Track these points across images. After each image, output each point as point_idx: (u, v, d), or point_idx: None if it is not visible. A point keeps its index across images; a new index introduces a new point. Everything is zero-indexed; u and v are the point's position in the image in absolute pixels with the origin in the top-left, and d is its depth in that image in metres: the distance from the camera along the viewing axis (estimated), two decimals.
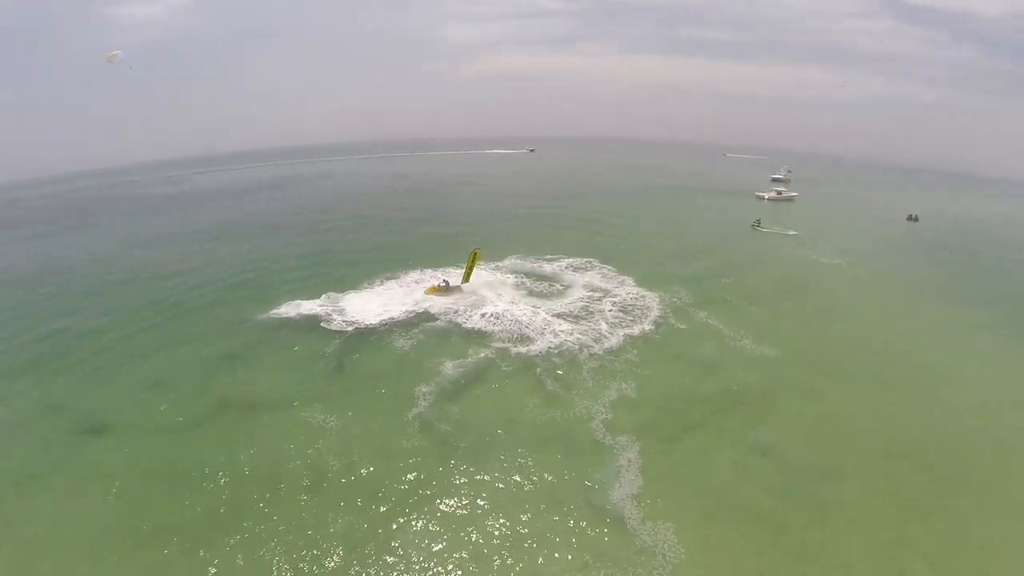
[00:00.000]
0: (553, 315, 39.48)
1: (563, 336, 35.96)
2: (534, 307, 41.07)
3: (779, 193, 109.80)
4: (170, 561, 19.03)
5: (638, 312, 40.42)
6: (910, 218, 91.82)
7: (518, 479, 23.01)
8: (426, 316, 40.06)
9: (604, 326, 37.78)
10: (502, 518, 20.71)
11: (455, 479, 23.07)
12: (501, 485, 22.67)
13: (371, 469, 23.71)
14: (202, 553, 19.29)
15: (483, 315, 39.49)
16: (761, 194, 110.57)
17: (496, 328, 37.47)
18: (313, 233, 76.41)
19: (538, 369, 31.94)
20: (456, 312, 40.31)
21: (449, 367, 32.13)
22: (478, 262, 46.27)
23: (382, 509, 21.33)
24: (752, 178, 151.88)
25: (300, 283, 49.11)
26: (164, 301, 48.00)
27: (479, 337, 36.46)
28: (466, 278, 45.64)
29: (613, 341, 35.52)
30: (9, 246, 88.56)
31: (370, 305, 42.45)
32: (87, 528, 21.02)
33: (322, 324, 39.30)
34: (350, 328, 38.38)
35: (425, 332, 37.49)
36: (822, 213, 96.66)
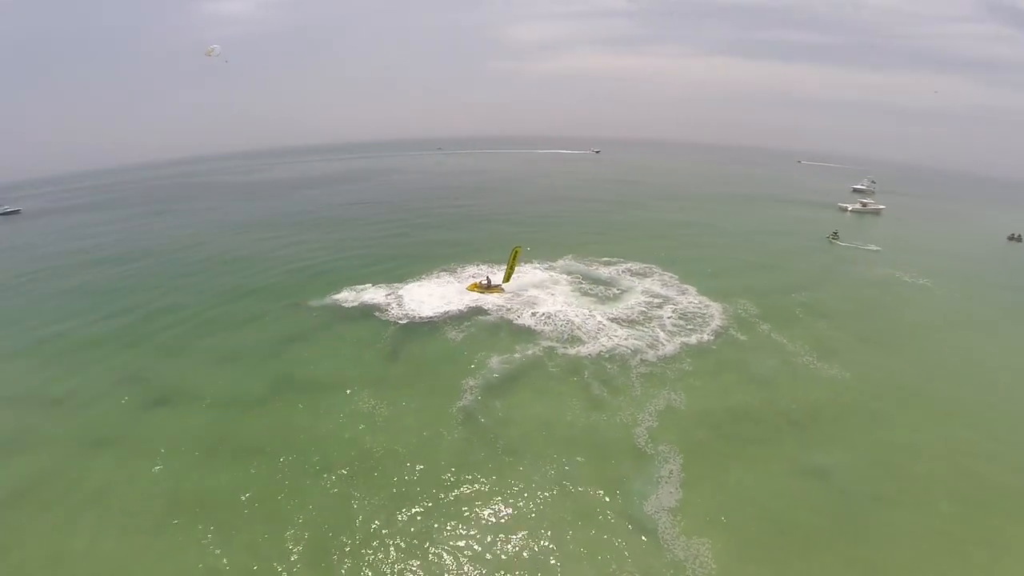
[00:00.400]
0: (608, 319, 38.84)
1: (616, 340, 35.34)
2: (589, 309, 40.55)
3: (864, 205, 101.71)
4: (209, 531, 20.43)
5: (698, 321, 38.96)
6: (1012, 238, 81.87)
7: (553, 480, 22.87)
8: (478, 311, 40.76)
9: (661, 333, 36.67)
10: (531, 518, 20.68)
11: (490, 475, 23.21)
12: (535, 485, 22.58)
13: (410, 459, 24.30)
14: (238, 525, 20.67)
15: (534, 314, 39.57)
16: (844, 205, 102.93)
17: (547, 327, 37.43)
18: (378, 225, 79.85)
19: (586, 372, 31.56)
20: (508, 309, 40.70)
21: (495, 362, 32.56)
22: (519, 261, 45.89)
23: (413, 500, 21.83)
24: (829, 188, 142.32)
25: (363, 271, 51.47)
26: (235, 282, 51.91)
27: (528, 335, 36.59)
28: (507, 277, 45.32)
29: (668, 348, 34.43)
30: (102, 227, 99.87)
31: (426, 297, 43.76)
32: (144, 493, 22.88)
33: (380, 312, 41.10)
34: (405, 318, 39.85)
35: (476, 326, 38.21)
36: (910, 228, 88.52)
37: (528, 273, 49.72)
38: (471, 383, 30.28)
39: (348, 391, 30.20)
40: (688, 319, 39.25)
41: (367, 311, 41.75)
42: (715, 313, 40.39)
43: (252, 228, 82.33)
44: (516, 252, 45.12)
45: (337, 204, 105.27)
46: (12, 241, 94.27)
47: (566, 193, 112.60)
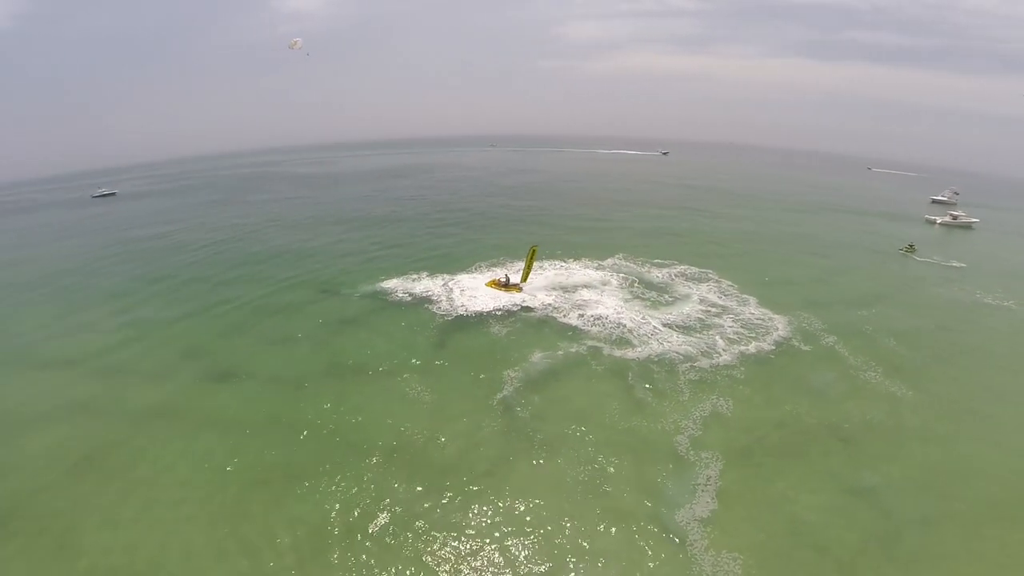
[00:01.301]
0: (663, 323, 37.92)
1: (669, 345, 34.46)
2: (642, 314, 39.67)
3: (954, 218, 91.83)
4: (253, 502, 21.91)
5: (760, 331, 37.19)
6: None
7: (586, 479, 22.72)
8: (525, 308, 41.16)
9: (720, 341, 35.32)
10: (560, 515, 20.68)
11: (524, 468, 23.42)
12: (568, 481, 22.56)
13: (448, 446, 24.97)
14: (280, 500, 21.97)
15: (582, 315, 39.23)
16: (932, 218, 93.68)
17: (594, 328, 37.08)
18: (431, 219, 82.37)
19: (631, 374, 31.06)
20: (555, 308, 40.72)
21: (538, 357, 32.87)
22: (536, 259, 46.17)
23: (446, 486, 22.37)
24: (903, 198, 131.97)
25: (415, 264, 53.62)
26: (293, 269, 55.36)
27: (574, 333, 36.45)
28: (524, 276, 45.50)
29: (725, 357, 33.16)
30: (181, 211, 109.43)
31: (474, 291, 44.80)
32: (197, 464, 24.68)
33: (430, 303, 42.66)
34: (453, 310, 41.04)
35: (521, 322, 38.60)
36: (1003, 245, 79.18)
37: (577, 272, 49.64)
38: (512, 376, 30.76)
39: (395, 376, 31.54)
40: (749, 328, 37.58)
41: (418, 301, 43.42)
42: (779, 325, 38.40)
43: (310, 218, 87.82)
44: (533, 251, 45.51)
45: (392, 198, 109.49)
46: (106, 221, 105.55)
47: (626, 196, 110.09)
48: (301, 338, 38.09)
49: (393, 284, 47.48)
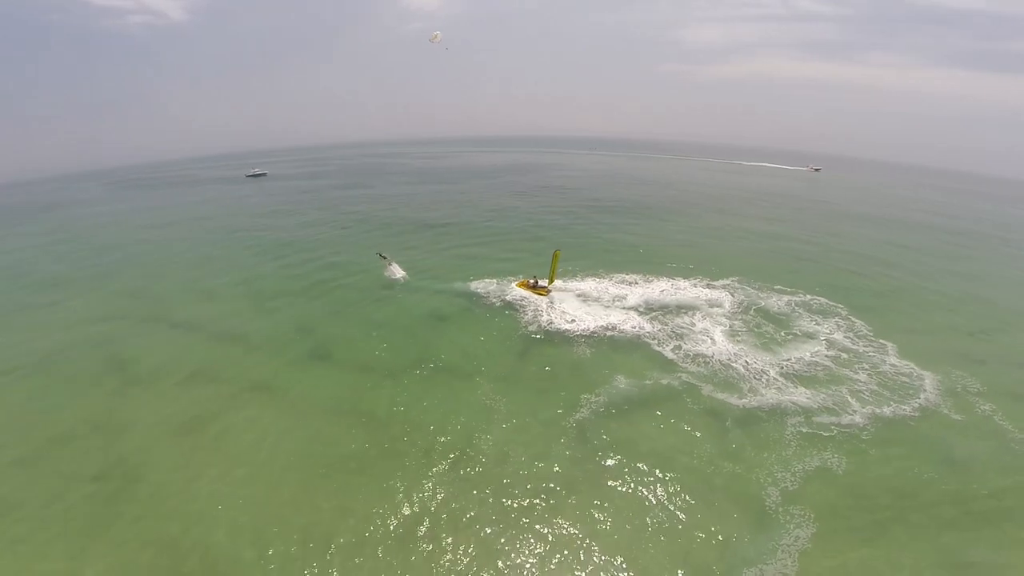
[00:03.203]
0: (781, 373, 33.70)
1: (786, 397, 30.77)
2: (756, 356, 35.73)
3: None
4: (317, 484, 23.88)
5: (901, 390, 31.97)
6: None
7: (654, 520, 21.60)
8: (616, 328, 39.79)
9: (851, 400, 30.77)
10: (617, 554, 19.94)
11: (588, 499, 22.87)
12: (633, 520, 21.63)
13: (514, 461, 25.17)
14: (345, 487, 23.70)
15: (680, 346, 36.69)
16: None
17: (694, 365, 34.30)
18: (534, 220, 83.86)
19: (729, 419, 28.68)
20: (651, 335, 38.52)
21: (622, 383, 31.79)
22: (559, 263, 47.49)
23: (505, 501, 22.55)
24: None
25: (513, 265, 54.72)
26: (402, 255, 59.17)
27: (667, 364, 34.50)
28: (551, 279, 47.20)
29: (855, 418, 28.96)
30: (313, 193, 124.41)
31: (568, 301, 44.65)
32: (278, 444, 27.28)
33: (520, 309, 43.38)
34: (544, 319, 41.24)
35: (611, 343, 37.44)
36: None
37: (686, 290, 47.20)
38: (592, 399, 30.14)
39: (475, 381, 32.61)
40: (887, 385, 32.53)
41: (509, 305, 44.45)
42: (925, 383, 32.87)
43: (419, 209, 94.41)
44: (556, 256, 46.96)
45: (498, 195, 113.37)
46: (255, 199, 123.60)
47: (755, 210, 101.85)
48: (397, 327, 41.14)
49: (488, 286, 48.95)
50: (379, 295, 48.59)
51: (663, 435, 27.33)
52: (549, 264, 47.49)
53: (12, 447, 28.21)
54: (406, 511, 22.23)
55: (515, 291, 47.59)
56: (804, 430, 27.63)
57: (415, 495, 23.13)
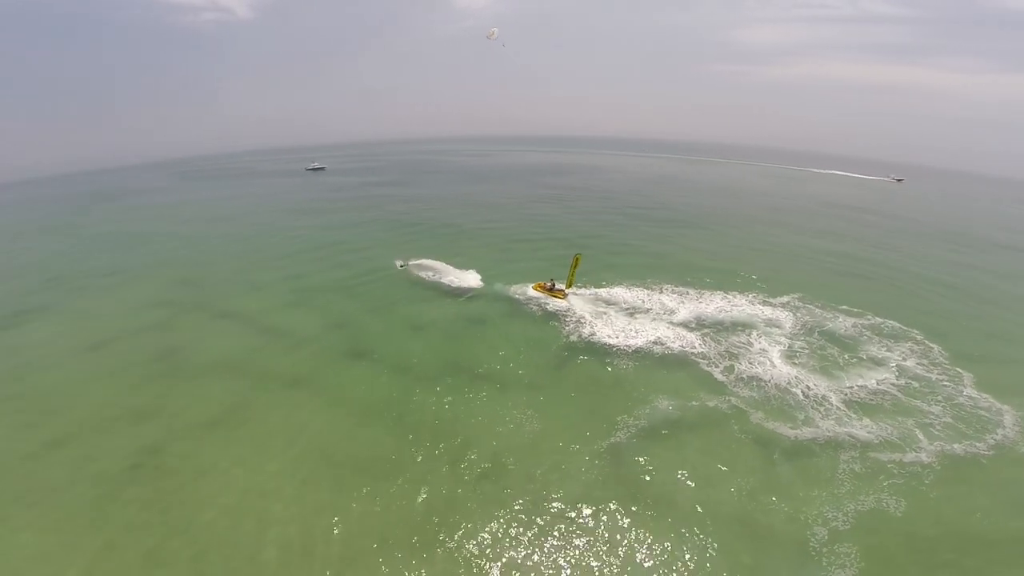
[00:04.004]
0: (843, 401, 31.59)
1: (845, 429, 28.82)
2: (816, 380, 33.68)
3: None
4: (337, 491, 24.13)
5: (976, 424, 29.45)
6: None
7: (688, 554, 20.67)
8: (662, 343, 38.36)
9: (919, 435, 28.53)
10: None
11: (616, 524, 22.16)
12: (666, 552, 20.77)
13: (541, 481, 24.61)
14: (374, 488, 23.99)
15: (733, 365, 35.17)
16: None
17: (747, 388, 32.74)
18: (584, 222, 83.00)
19: (778, 450, 27.05)
20: (702, 354, 36.85)
21: (665, 404, 30.68)
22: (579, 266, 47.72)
23: (526, 521, 22.17)
24: None
25: (558, 269, 53.36)
26: (443, 251, 61.07)
27: (715, 386, 32.97)
28: (569, 283, 47.66)
29: (918, 455, 26.87)
30: (370, 188, 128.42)
31: (615, 311, 43.65)
32: (309, 443, 27.78)
33: (561, 317, 42.68)
34: (585, 328, 40.43)
35: (658, 359, 36.18)
36: None
37: (742, 306, 45.13)
38: (630, 420, 29.17)
39: (510, 390, 32.37)
40: (962, 419, 29.92)
41: (550, 312, 43.90)
42: (1005, 420, 29.97)
43: (464, 208, 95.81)
44: (577, 259, 47.29)
45: (540, 197, 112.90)
46: (313, 194, 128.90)
47: (824, 223, 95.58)
48: (433, 328, 41.61)
49: (528, 291, 48.61)
50: (420, 295, 49.32)
51: (704, 463, 26.05)
52: (578, 268, 47.53)
53: (56, 430, 30.09)
54: (426, 521, 22.25)
55: (534, 293, 47.84)
56: (860, 466, 25.81)
57: (437, 506, 23.11)
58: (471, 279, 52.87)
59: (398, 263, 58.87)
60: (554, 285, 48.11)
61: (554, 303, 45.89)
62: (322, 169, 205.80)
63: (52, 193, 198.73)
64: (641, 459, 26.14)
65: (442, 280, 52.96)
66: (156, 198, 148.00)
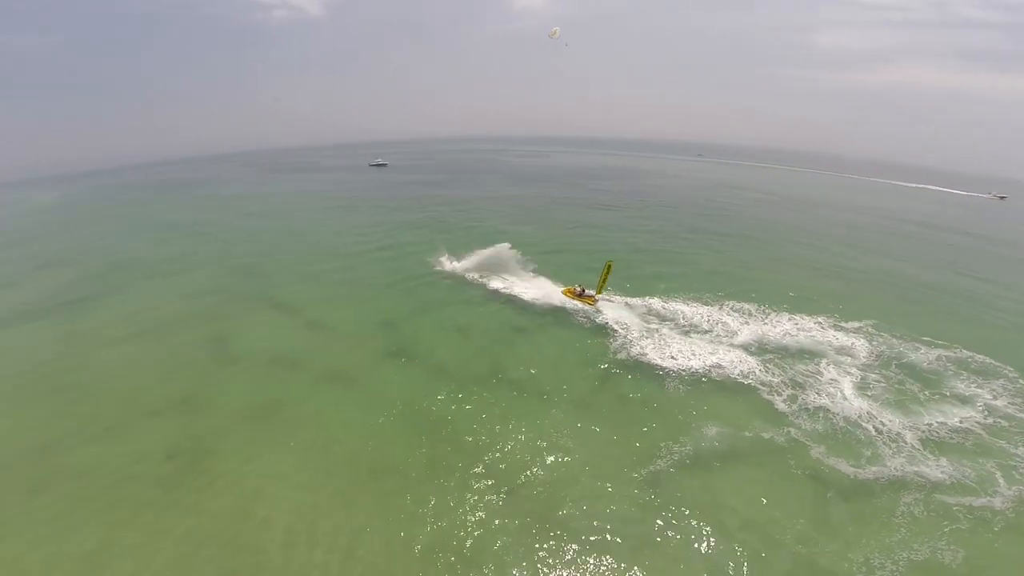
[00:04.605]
0: (920, 438, 29.15)
1: (915, 469, 26.63)
2: (890, 416, 30.92)
3: None
4: (359, 497, 24.19)
5: None
6: None
7: None
8: (720, 367, 36.06)
9: (999, 477, 26.19)
10: None
11: (645, 559, 21.06)
12: None
13: (570, 507, 23.69)
14: (382, 504, 23.80)
15: (793, 397, 32.81)
16: None
17: (809, 421, 30.55)
18: (639, 230, 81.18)
19: (834, 490, 25.16)
20: (763, 381, 34.42)
21: (714, 432, 28.98)
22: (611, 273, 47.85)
23: (550, 546, 21.56)
24: None
25: (619, 278, 52.48)
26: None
27: (775, 416, 30.95)
28: (599, 289, 47.68)
29: (992, 500, 24.64)
30: (429, 187, 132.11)
31: (670, 328, 42.17)
32: (343, 442, 28.16)
33: (611, 331, 41.39)
34: (637, 347, 38.83)
35: (713, 384, 34.11)
36: None
37: (810, 330, 42.40)
38: (675, 447, 27.71)
39: (548, 404, 31.72)
40: None
41: (599, 325, 42.77)
42: None
43: (516, 211, 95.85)
44: (609, 266, 47.47)
45: (595, 202, 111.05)
46: (375, 191, 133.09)
47: (907, 245, 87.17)
48: (478, 333, 41.55)
49: (578, 303, 47.35)
50: (466, 296, 49.52)
51: (749, 500, 24.46)
52: (612, 275, 47.56)
53: (103, 417, 31.79)
54: (448, 536, 21.98)
55: (574, 303, 47.04)
56: (922, 509, 23.83)
57: (461, 520, 22.78)
58: (537, 286, 52.47)
59: (444, 261, 59.70)
60: (584, 291, 47.84)
61: (601, 314, 44.77)
62: (384, 165, 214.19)
63: (135, 180, 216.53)
64: (680, 491, 24.85)
65: (496, 285, 52.88)
66: (225, 189, 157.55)
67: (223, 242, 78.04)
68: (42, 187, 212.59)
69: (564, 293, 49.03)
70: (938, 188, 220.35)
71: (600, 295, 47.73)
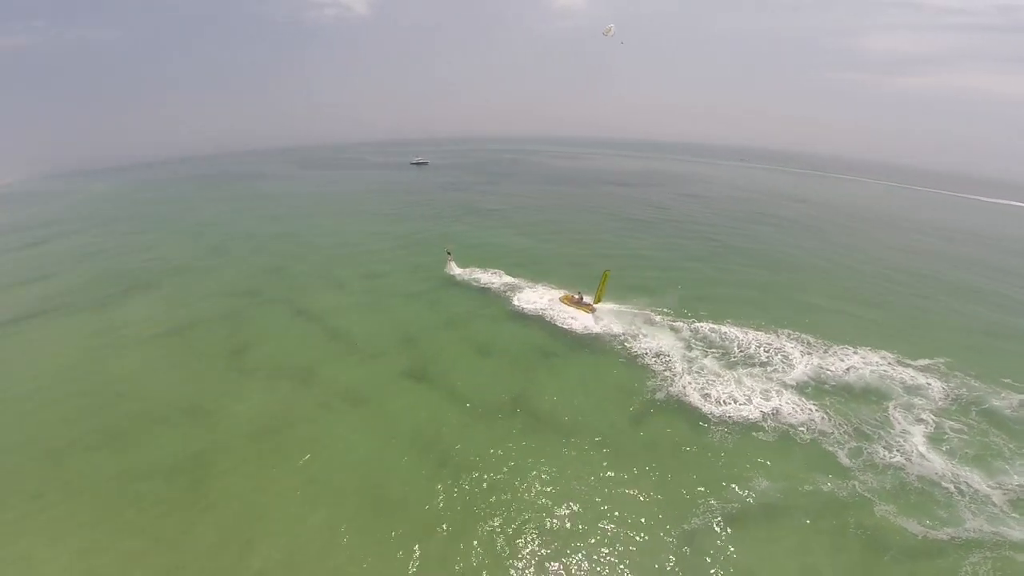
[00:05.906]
0: (1007, 499, 26.08)
1: (997, 529, 24.00)
2: (979, 477, 27.58)
3: None
4: (355, 529, 23.05)
5: None
6: None
7: None
8: (779, 412, 32.39)
9: None
10: None
11: None
12: None
13: (597, 564, 21.77)
14: (382, 545, 22.47)
15: (857, 448, 29.41)
16: None
17: (872, 476, 27.29)
18: (680, 242, 77.88)
19: (891, 554, 22.60)
20: (822, 429, 30.89)
21: (765, 486, 26.10)
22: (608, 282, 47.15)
23: None
24: None
25: (650, 298, 50.15)
26: (525, 269, 59.63)
27: (836, 469, 27.73)
28: (598, 299, 47.42)
29: None
30: (466, 186, 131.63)
31: (713, 356, 38.93)
32: (350, 470, 26.95)
33: (651, 361, 38.33)
34: (678, 384, 35.16)
35: (762, 430, 30.70)
36: None
37: (872, 364, 38.40)
38: (716, 502, 24.94)
39: (574, 442, 29.31)
40: None
41: (635, 354, 39.26)
42: None
43: (556, 219, 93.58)
44: (606, 275, 47.21)
45: (634, 211, 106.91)
46: (413, 195, 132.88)
47: (980, 272, 75.20)
48: (502, 354, 39.34)
49: (611, 325, 44.21)
50: (491, 313, 47.47)
51: (793, 563, 21.88)
52: (616, 286, 47.49)
53: (112, 424, 31.75)
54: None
55: (584, 318, 45.61)
56: (988, 569, 21.58)
57: (477, 565, 21.24)
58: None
59: (475, 272, 58.55)
60: (582, 298, 47.05)
61: (646, 344, 40.84)
62: (425, 164, 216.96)
63: (184, 173, 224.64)
64: (720, 554, 22.36)
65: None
66: (273, 185, 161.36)
67: (260, 237, 79.30)
68: (102, 177, 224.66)
69: (562, 300, 48.32)
70: (1004, 201, 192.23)
71: (598, 304, 47.34)
